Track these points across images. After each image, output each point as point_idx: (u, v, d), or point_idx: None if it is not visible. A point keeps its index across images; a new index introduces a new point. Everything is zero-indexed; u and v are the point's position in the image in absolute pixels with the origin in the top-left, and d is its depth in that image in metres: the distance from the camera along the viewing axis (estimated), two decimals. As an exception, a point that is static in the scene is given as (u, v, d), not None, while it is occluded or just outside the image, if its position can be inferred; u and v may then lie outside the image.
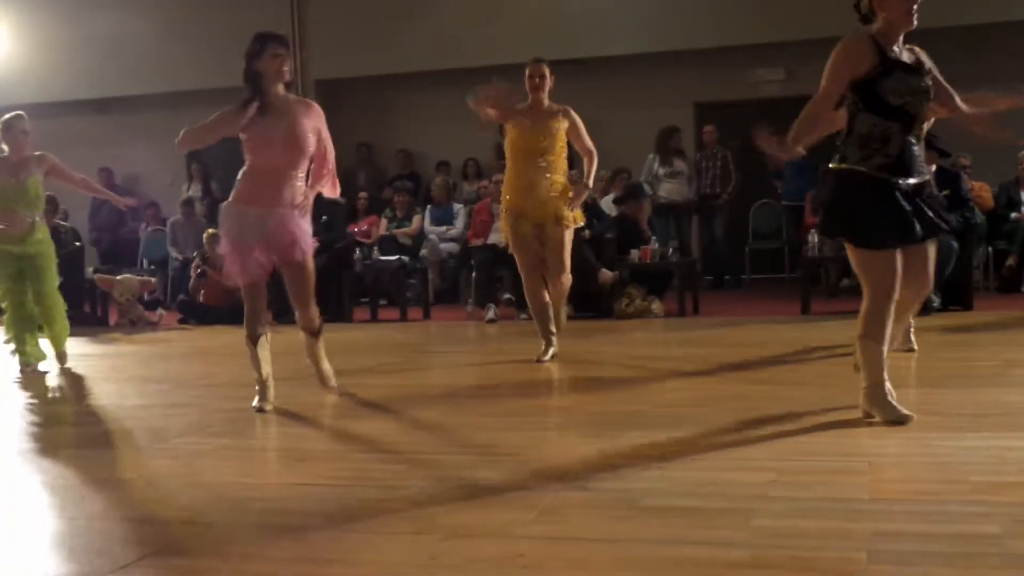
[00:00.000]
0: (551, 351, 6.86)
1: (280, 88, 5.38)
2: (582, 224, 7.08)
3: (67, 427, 5.36)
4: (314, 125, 5.43)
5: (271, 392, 5.38)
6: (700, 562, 2.71)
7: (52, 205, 12.01)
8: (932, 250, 4.45)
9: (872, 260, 4.26)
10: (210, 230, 11.77)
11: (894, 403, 4.33)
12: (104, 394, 6.36)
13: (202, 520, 3.34)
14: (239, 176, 5.40)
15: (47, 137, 15.30)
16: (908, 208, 4.22)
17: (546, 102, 6.80)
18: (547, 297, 6.89)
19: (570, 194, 6.80)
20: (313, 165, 5.48)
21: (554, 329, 6.93)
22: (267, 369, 5.41)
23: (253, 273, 5.29)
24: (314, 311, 5.65)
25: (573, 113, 6.84)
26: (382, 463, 4.11)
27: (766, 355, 7.00)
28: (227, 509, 3.49)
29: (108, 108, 15.78)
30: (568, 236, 6.82)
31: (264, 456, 4.32)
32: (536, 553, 2.84)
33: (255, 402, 5.33)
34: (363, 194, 13.94)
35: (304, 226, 5.35)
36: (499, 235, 10.53)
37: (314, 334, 5.74)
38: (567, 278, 6.91)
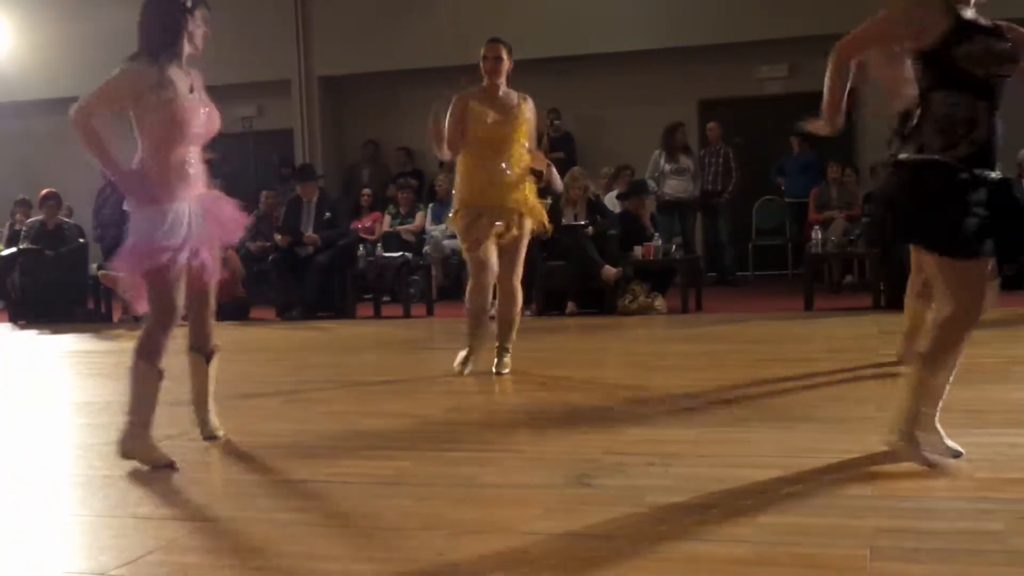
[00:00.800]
0: (471, 363, 6.21)
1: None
2: (548, 232, 6.43)
3: (71, 424, 5.36)
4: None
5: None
6: (705, 559, 2.72)
7: (56, 201, 12.06)
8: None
9: (967, 271, 3.46)
10: None
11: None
12: (107, 391, 6.37)
13: (207, 516, 3.35)
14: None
15: (53, 133, 15.37)
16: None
17: (503, 88, 6.14)
18: (489, 305, 6.28)
19: (532, 186, 6.21)
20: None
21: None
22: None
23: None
24: None
25: (532, 104, 6.26)
26: (387, 459, 4.11)
27: (770, 352, 7.00)
28: (232, 505, 3.50)
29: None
30: (526, 240, 6.22)
31: (269, 452, 4.32)
32: (541, 549, 2.85)
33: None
34: (367, 191, 13.94)
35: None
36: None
37: None
38: (518, 286, 6.28)
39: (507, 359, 6.22)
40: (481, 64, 6.10)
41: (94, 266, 12.35)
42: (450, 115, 6.05)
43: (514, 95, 6.16)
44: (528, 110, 6.17)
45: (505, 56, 6.09)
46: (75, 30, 15.23)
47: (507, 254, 6.13)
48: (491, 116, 6.02)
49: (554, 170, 6.49)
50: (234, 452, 4.38)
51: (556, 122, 13.58)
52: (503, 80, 6.11)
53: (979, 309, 3.50)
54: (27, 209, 13.33)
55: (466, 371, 6.12)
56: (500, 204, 6.04)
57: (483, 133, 6.02)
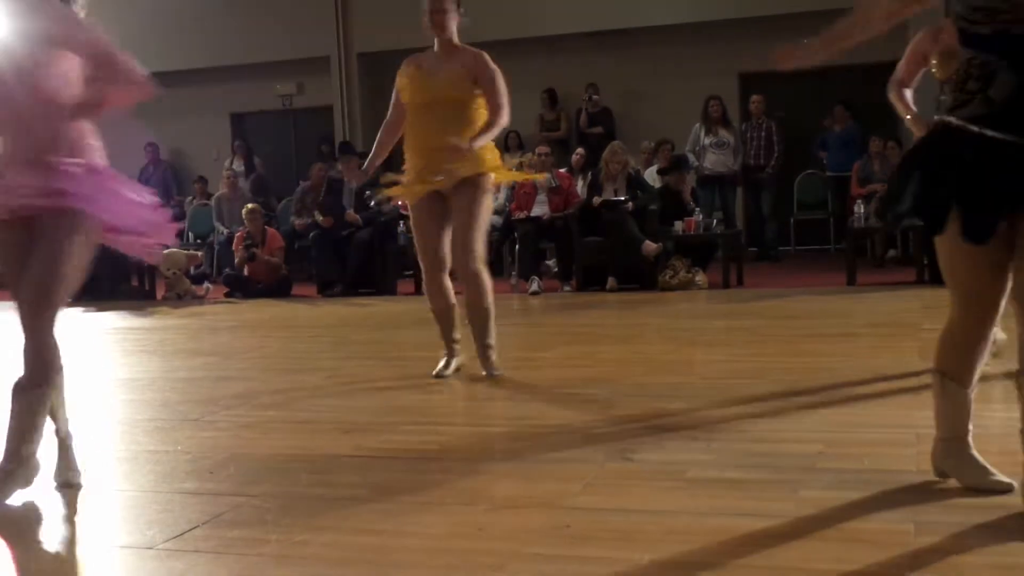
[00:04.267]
0: (453, 363, 5.50)
1: None
2: (499, 184, 5.50)
3: (116, 400, 5.43)
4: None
5: None
6: (747, 533, 2.71)
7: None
8: None
9: (951, 257, 2.94)
10: (249, 205, 11.85)
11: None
12: (152, 367, 6.44)
13: (251, 491, 3.38)
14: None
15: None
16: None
17: (455, 41, 5.40)
18: (451, 296, 5.51)
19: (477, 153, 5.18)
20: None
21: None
22: None
23: None
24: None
25: (487, 58, 5.36)
26: (427, 435, 4.13)
27: (812, 327, 6.96)
28: (275, 480, 3.53)
29: (153, 82, 15.89)
30: (482, 204, 5.26)
31: (311, 428, 4.35)
32: (583, 524, 2.86)
33: None
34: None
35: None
36: (542, 207, 10.56)
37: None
38: (477, 266, 5.26)
39: (494, 357, 5.38)
40: (427, 20, 5.39)
41: (138, 244, 12.46)
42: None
43: (467, 54, 5.40)
44: (476, 65, 5.34)
45: (450, 8, 5.35)
46: (113, 9, 15.23)
47: (456, 230, 5.28)
48: (428, 76, 5.34)
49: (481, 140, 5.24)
50: (276, 427, 4.41)
51: (595, 97, 13.52)
52: (452, 35, 5.38)
53: (971, 314, 2.97)
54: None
55: (446, 372, 5.45)
56: (442, 173, 5.21)
57: (421, 96, 5.33)
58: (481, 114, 5.30)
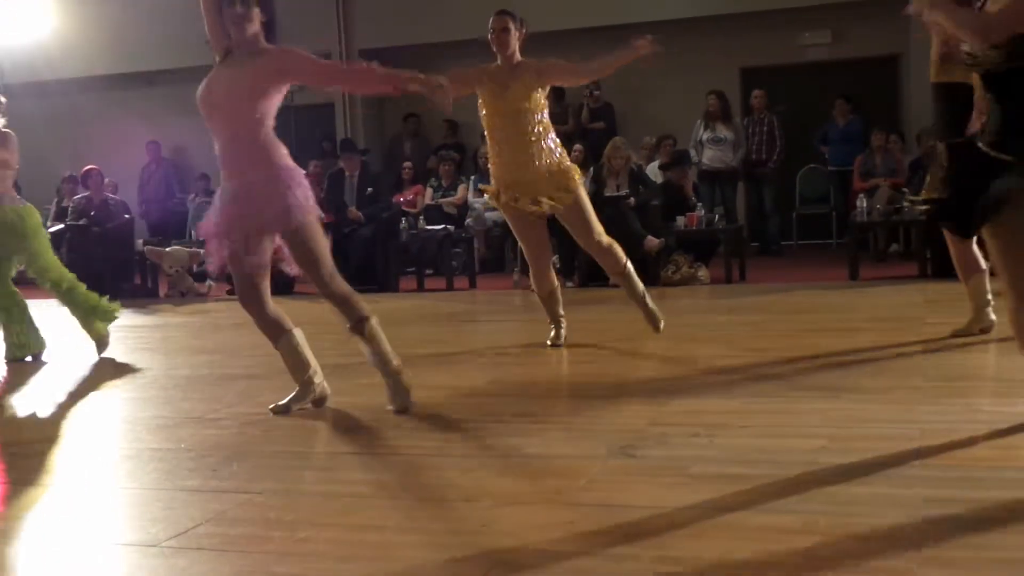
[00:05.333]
0: (563, 332, 6.23)
1: (246, 44, 4.44)
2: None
3: (119, 398, 5.43)
4: (270, 69, 4.42)
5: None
6: (750, 529, 2.71)
7: (99, 177, 12.18)
8: None
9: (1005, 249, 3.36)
10: None
11: None
12: (154, 365, 6.44)
13: (254, 488, 3.38)
14: None
15: (95, 111, 15.57)
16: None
17: (516, 60, 5.83)
18: (555, 280, 6.22)
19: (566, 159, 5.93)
20: (348, 88, 4.76)
21: (562, 312, 6.27)
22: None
23: (246, 260, 4.45)
24: (331, 293, 4.64)
25: (540, 62, 5.85)
26: (430, 431, 4.14)
27: (814, 321, 6.96)
28: (278, 477, 3.53)
29: (155, 81, 15.89)
30: (585, 201, 5.99)
31: (314, 426, 4.35)
32: (586, 520, 2.86)
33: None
34: (407, 164, 13.94)
35: (296, 187, 4.41)
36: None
37: (353, 327, 4.60)
38: (605, 239, 6.15)
39: (649, 304, 6.28)
40: (491, 40, 5.88)
41: (140, 242, 12.48)
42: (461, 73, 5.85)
43: (530, 65, 5.82)
44: (536, 73, 5.80)
45: (512, 27, 5.83)
46: (116, 9, 15.33)
47: (573, 226, 6.07)
48: (503, 91, 5.76)
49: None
50: (280, 425, 4.41)
51: (596, 92, 13.50)
52: (515, 52, 5.82)
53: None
54: (74, 186, 13.47)
55: (560, 342, 6.15)
56: (537, 182, 5.80)
57: (502, 108, 5.76)
58: (548, 123, 5.87)
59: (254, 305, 4.57)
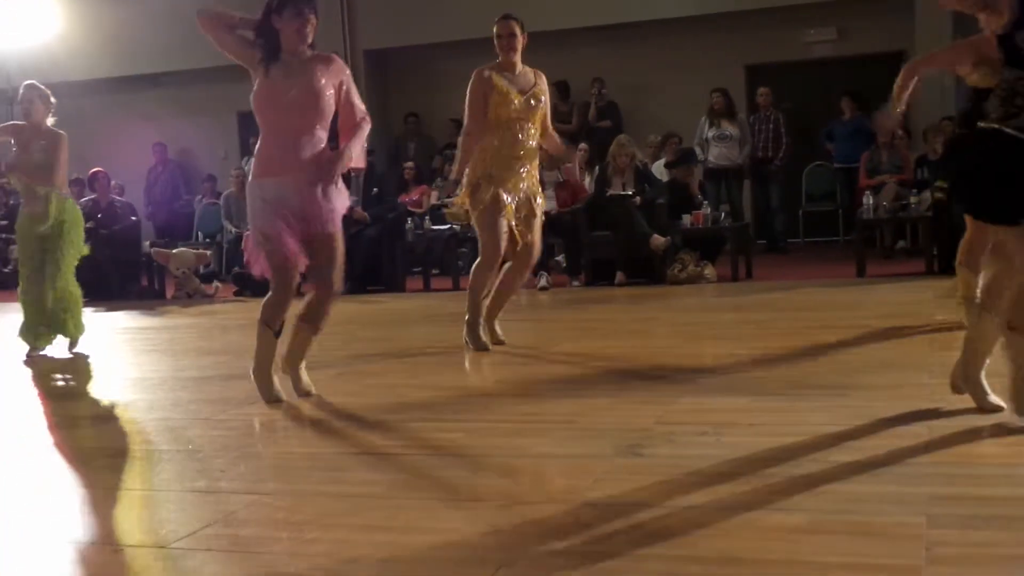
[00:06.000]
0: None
1: (301, 51, 4.79)
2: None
3: (127, 399, 5.44)
4: (333, 79, 4.83)
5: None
6: (759, 527, 2.71)
7: (105, 180, 12.20)
8: None
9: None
10: None
11: None
12: (162, 367, 6.46)
13: (262, 490, 3.39)
14: (255, 150, 4.90)
15: (101, 113, 15.58)
16: None
17: (520, 65, 6.14)
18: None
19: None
20: (339, 123, 4.95)
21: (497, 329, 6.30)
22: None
23: (283, 253, 4.67)
24: (332, 294, 4.90)
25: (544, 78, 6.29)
26: (437, 432, 4.14)
27: (821, 319, 6.95)
28: (286, 478, 3.54)
29: (161, 83, 15.92)
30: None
31: (320, 426, 4.36)
32: (593, 519, 2.86)
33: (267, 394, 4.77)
34: (408, 164, 13.90)
35: (332, 193, 4.75)
36: (550, 202, 10.55)
37: (315, 326, 4.90)
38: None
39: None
40: (496, 43, 6.09)
41: (147, 243, 12.50)
42: (471, 92, 6.05)
43: (530, 72, 6.16)
44: (545, 86, 6.21)
45: (519, 32, 6.08)
46: (121, 11, 15.36)
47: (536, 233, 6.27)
48: (514, 95, 6.01)
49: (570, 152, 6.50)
50: (287, 425, 4.42)
51: (602, 91, 13.51)
52: (518, 57, 6.10)
53: None
54: (80, 188, 13.49)
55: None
56: (518, 182, 6.08)
57: (508, 113, 5.99)
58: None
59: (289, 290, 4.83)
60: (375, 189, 11.46)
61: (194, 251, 11.93)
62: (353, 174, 9.74)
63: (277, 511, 3.13)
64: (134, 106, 15.67)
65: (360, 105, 4.92)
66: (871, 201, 10.32)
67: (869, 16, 13.34)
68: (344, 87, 4.88)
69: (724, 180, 12.53)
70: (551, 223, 10.47)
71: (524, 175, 6.11)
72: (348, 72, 4.97)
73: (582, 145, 12.67)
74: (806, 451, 3.42)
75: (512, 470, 3.49)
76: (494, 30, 6.11)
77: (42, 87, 7.07)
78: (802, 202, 13.62)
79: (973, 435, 3.54)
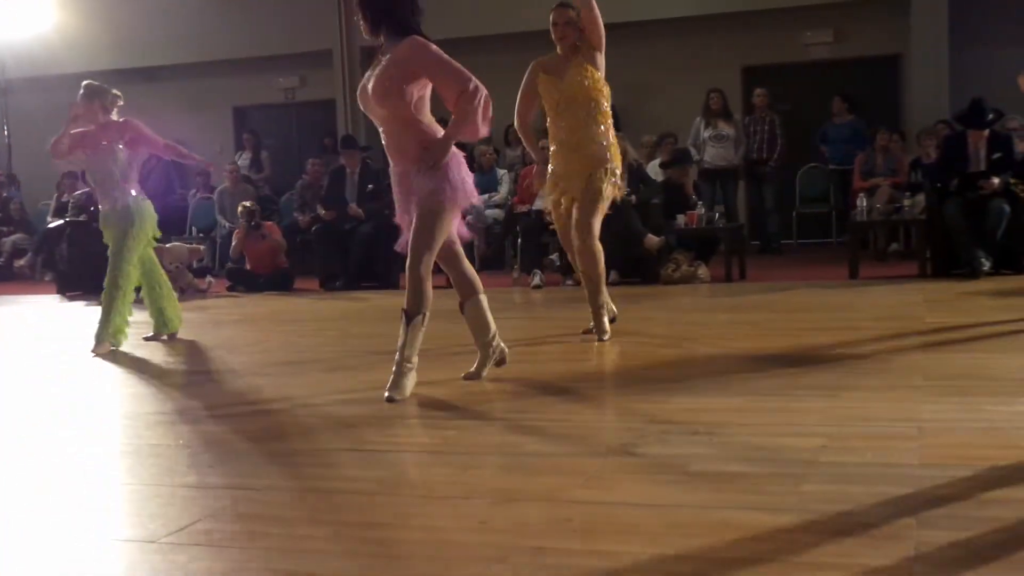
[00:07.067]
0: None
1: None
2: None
3: (119, 394, 5.43)
4: (402, 61, 4.89)
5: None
6: (749, 526, 2.71)
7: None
8: None
9: None
10: (245, 203, 11.85)
11: None
12: (155, 361, 6.44)
13: (253, 485, 3.38)
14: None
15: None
16: None
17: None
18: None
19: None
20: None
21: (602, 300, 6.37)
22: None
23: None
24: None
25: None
26: (429, 428, 4.14)
27: (814, 320, 6.95)
28: (277, 474, 3.53)
29: (156, 77, 15.89)
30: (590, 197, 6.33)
31: (314, 421, 4.35)
32: (585, 517, 2.86)
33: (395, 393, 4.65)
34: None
35: (440, 174, 4.98)
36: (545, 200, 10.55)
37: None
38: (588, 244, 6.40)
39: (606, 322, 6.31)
40: (552, 31, 6.20)
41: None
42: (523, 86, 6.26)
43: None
44: (590, 58, 6.16)
45: (574, 19, 6.12)
46: (117, 5, 15.34)
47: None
48: (564, 81, 6.10)
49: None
50: (279, 421, 4.42)
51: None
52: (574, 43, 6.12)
53: None
54: (74, 181, 13.47)
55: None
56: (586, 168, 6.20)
57: (573, 95, 6.10)
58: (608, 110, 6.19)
59: (449, 262, 5.04)
60: (371, 185, 11.45)
61: (188, 246, 11.90)
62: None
63: (268, 506, 3.13)
64: (129, 99, 15.57)
65: (463, 85, 5.13)
66: (865, 203, 10.33)
67: (866, 19, 13.37)
68: (418, 67, 5.11)
69: (719, 181, 12.54)
70: (545, 222, 10.53)
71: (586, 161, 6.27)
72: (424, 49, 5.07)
73: None
74: (798, 451, 3.43)
75: (504, 468, 3.49)
76: (551, 18, 6.24)
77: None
78: (796, 203, 13.64)
79: (965, 437, 3.54)
